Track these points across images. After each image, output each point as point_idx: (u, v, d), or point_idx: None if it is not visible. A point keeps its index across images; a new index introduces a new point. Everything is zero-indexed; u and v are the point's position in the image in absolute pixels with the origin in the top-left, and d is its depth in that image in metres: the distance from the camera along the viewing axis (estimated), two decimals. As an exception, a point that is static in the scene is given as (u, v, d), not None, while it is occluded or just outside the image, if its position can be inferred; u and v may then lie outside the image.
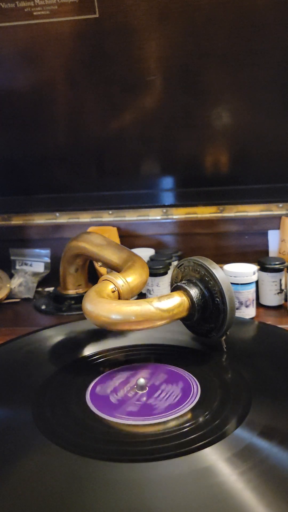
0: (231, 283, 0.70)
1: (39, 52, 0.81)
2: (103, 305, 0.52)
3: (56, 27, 0.77)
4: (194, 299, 0.53)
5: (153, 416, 0.44)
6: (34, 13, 0.75)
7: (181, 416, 0.44)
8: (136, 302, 0.51)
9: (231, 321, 0.53)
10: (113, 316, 0.50)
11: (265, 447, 0.38)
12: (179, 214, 0.96)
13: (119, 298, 0.58)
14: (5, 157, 0.96)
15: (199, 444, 0.39)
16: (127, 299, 0.59)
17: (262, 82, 0.82)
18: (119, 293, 0.58)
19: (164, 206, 0.97)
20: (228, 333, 0.55)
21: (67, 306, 0.80)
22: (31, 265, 0.97)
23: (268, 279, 0.75)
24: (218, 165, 0.93)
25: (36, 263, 0.97)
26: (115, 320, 0.50)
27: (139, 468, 0.37)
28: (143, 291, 0.81)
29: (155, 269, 0.77)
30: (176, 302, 0.52)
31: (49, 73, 0.84)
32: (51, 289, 0.89)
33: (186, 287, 0.54)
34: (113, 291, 0.58)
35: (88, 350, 0.58)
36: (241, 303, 0.71)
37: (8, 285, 0.87)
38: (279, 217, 0.92)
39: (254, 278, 0.71)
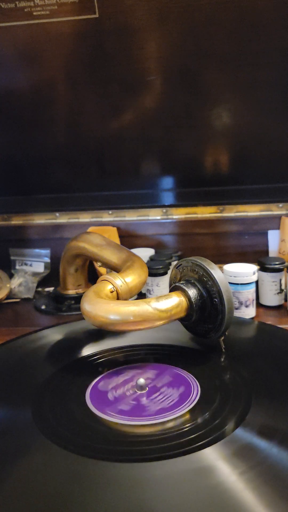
0: (231, 283, 0.70)
1: (39, 52, 0.81)
2: (101, 305, 0.52)
3: (56, 27, 0.77)
4: (192, 300, 0.53)
5: (153, 416, 0.44)
6: (34, 13, 0.75)
7: (181, 416, 0.44)
8: (134, 302, 0.51)
9: (229, 322, 0.53)
10: (111, 317, 0.50)
11: (265, 447, 0.38)
12: (179, 214, 0.96)
13: (118, 298, 0.58)
14: (5, 157, 0.96)
15: (199, 444, 0.39)
16: (125, 300, 0.59)
17: (262, 82, 0.82)
18: (117, 294, 0.58)
19: (164, 206, 0.97)
20: (226, 333, 0.55)
21: (67, 306, 0.80)
22: (31, 265, 0.97)
23: (268, 279, 0.75)
24: (218, 165, 0.93)
25: (36, 263, 0.97)
26: (113, 320, 0.50)
27: (139, 468, 0.37)
28: (143, 291, 0.81)
29: (155, 269, 0.77)
30: (174, 302, 0.52)
31: (49, 73, 0.84)
32: (51, 289, 0.89)
33: (184, 287, 0.54)
34: (112, 291, 0.58)
35: (88, 350, 0.58)
36: (241, 303, 0.71)
37: (8, 285, 0.87)
38: (279, 217, 0.92)
39: (254, 278, 0.72)
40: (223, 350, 0.56)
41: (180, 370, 0.52)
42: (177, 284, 0.55)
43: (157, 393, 0.48)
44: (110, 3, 0.74)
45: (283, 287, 0.76)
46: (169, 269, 0.79)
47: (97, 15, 0.75)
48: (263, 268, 0.76)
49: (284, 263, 0.76)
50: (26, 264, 0.97)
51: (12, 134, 0.92)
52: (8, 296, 0.86)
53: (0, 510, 0.33)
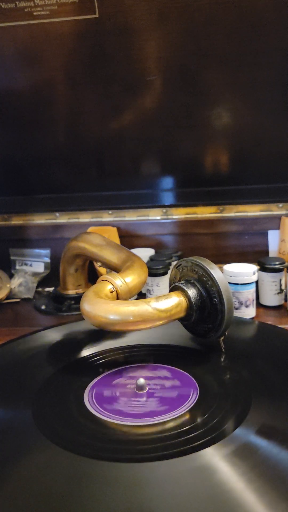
0: (231, 283, 0.70)
1: (39, 52, 0.81)
2: (101, 305, 0.52)
3: (56, 27, 0.77)
4: (192, 300, 0.53)
5: (152, 416, 0.44)
6: (34, 13, 0.75)
7: (181, 416, 0.44)
8: (133, 302, 0.51)
9: (229, 322, 0.53)
10: (111, 317, 0.50)
11: (265, 447, 0.38)
12: (179, 214, 0.96)
13: (118, 298, 0.58)
14: (5, 157, 0.96)
15: (199, 444, 0.39)
16: (125, 300, 0.59)
17: (262, 82, 0.82)
18: (117, 294, 0.58)
19: (164, 206, 0.97)
20: (226, 333, 0.55)
21: (67, 306, 0.80)
22: (31, 265, 0.97)
23: (268, 279, 0.75)
24: (218, 165, 0.93)
25: (36, 263, 0.97)
26: (113, 320, 0.50)
27: (139, 468, 0.37)
28: (143, 291, 0.81)
29: (155, 269, 0.77)
30: (174, 302, 0.52)
31: (49, 73, 0.84)
32: (51, 289, 0.89)
33: (184, 287, 0.54)
34: (111, 292, 0.58)
35: (88, 351, 0.58)
36: (241, 303, 0.71)
37: (8, 285, 0.87)
38: (279, 217, 0.92)
39: (254, 278, 0.72)
40: (223, 350, 0.56)
41: (180, 370, 0.52)
42: (176, 284, 0.55)
43: (157, 393, 0.48)
44: (110, 3, 0.74)
45: (283, 287, 0.76)
46: (169, 269, 0.80)
47: (97, 15, 0.75)
48: (263, 268, 0.76)
49: (284, 263, 0.76)
50: (26, 264, 0.97)
51: (12, 134, 0.92)
52: (8, 296, 0.86)
53: (0, 510, 0.33)
